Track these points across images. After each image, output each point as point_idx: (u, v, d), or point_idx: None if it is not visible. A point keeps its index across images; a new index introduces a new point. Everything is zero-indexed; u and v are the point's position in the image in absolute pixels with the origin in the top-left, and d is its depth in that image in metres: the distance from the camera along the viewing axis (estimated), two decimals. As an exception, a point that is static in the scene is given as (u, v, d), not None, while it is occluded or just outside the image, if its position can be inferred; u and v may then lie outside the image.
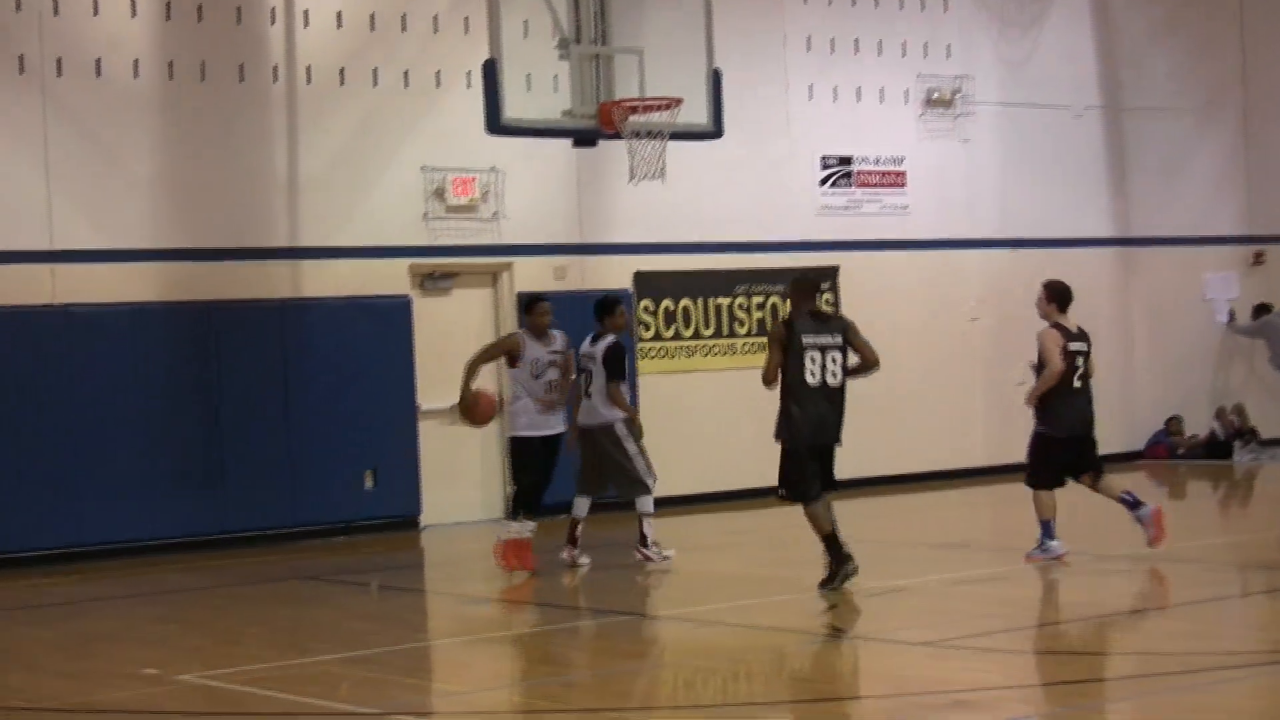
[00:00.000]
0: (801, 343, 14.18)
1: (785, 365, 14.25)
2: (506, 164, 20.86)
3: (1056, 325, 15.54)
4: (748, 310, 23.08)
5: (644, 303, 22.19)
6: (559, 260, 21.65)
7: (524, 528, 15.98)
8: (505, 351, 16.34)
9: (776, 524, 17.68)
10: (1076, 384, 15.47)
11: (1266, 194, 27.76)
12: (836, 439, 14.54)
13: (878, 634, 13.43)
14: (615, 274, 21.91)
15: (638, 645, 13.93)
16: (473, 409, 16.26)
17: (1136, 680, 11.26)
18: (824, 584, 14.70)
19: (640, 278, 22.10)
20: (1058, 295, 15.94)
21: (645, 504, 16.66)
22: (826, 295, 22.84)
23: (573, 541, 16.81)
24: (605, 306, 16.95)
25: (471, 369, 16.10)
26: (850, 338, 14.44)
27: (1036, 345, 15.42)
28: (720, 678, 12.23)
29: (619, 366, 16.63)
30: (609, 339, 16.57)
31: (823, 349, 14.21)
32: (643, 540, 16.68)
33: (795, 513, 14.81)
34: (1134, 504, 15.92)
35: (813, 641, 13.44)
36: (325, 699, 11.11)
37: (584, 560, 16.70)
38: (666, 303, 22.26)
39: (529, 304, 16.64)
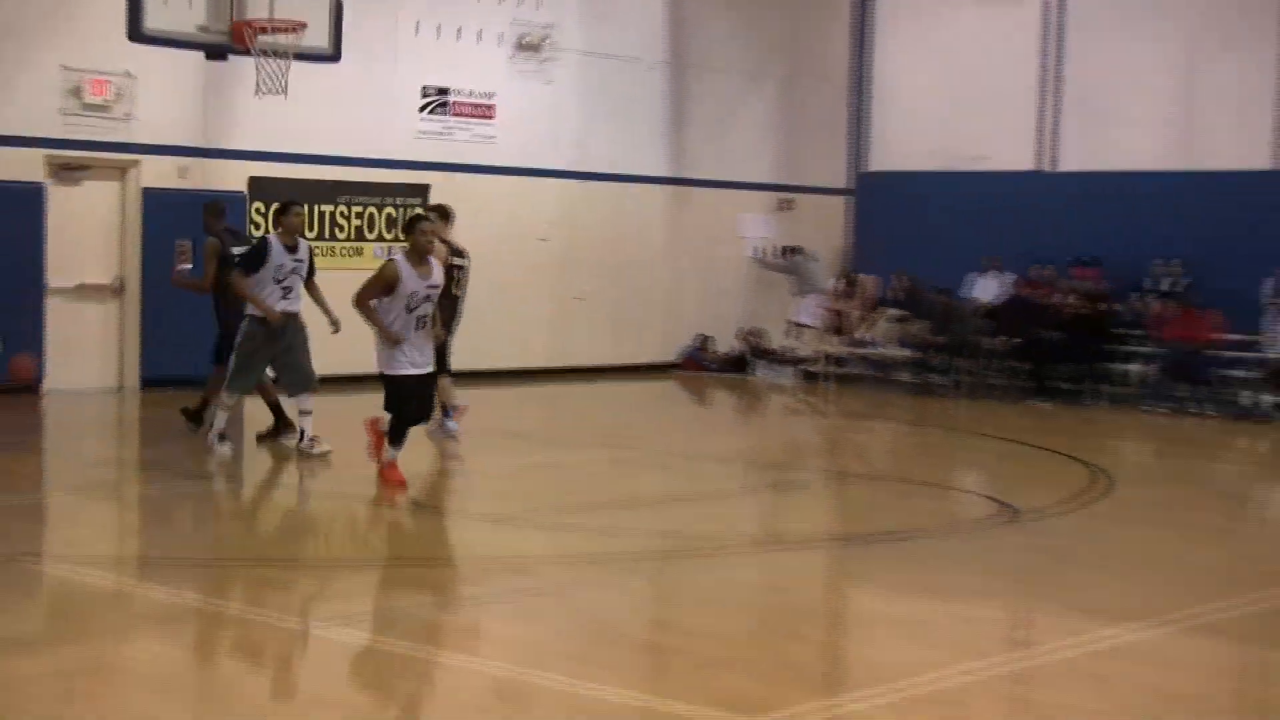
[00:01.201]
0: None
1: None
2: (142, 70, 21.56)
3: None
4: (348, 218, 24.22)
5: (256, 205, 23.11)
6: (183, 161, 22.45)
7: (390, 454, 14.61)
8: (385, 285, 14.16)
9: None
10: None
11: (798, 150, 29.86)
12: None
13: (453, 508, 14.91)
14: (233, 177, 22.84)
15: (246, 508, 15.24)
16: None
17: (665, 557, 12.59)
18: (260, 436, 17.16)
19: (254, 182, 23.08)
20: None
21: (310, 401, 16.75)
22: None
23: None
24: (282, 210, 17.25)
25: (366, 310, 14.30)
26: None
27: None
28: (311, 538, 13.68)
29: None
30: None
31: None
32: (302, 435, 16.74)
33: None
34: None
35: (393, 512, 14.43)
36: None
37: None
38: (276, 206, 21.57)
39: (410, 221, 14.88)
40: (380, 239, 24.75)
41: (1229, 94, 26.05)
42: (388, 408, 14.56)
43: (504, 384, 24.96)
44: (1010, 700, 9.07)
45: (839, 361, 28.12)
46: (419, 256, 14.36)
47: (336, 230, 24.35)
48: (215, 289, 17.77)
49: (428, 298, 14.40)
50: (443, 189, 24.79)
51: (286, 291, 16.63)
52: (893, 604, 11.29)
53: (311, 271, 16.95)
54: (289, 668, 9.26)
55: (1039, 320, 25.57)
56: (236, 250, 17.62)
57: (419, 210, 14.55)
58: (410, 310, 14.28)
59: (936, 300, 26.89)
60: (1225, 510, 14.96)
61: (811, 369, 28.11)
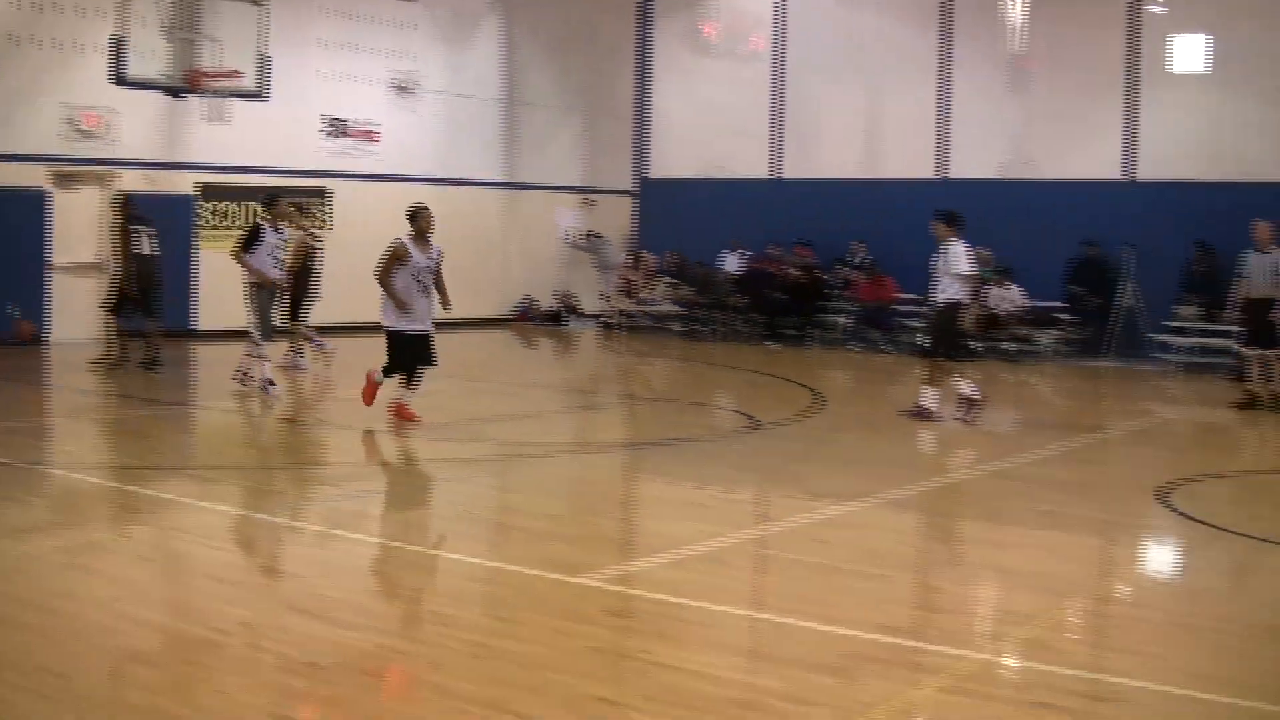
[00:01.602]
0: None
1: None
2: (123, 106, 20.95)
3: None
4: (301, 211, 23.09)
5: (205, 204, 22.73)
6: (150, 172, 21.86)
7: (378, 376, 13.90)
8: (396, 260, 13.29)
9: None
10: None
11: (598, 162, 29.63)
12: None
13: (349, 424, 13.92)
14: (188, 183, 22.44)
15: (202, 428, 14.85)
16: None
17: (506, 459, 12.42)
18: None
19: (203, 187, 22.60)
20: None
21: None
22: (320, 209, 24.11)
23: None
24: (269, 202, 16.78)
25: (387, 282, 13.46)
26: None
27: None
28: (249, 449, 13.34)
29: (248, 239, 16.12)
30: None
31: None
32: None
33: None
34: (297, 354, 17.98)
35: (305, 428, 14.41)
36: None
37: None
38: (218, 204, 22.89)
39: (412, 212, 13.75)
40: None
41: (902, 123, 26.33)
42: (389, 354, 13.83)
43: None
44: (759, 558, 9.12)
45: (628, 316, 28.07)
46: (421, 237, 13.57)
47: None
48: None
49: (429, 269, 13.61)
50: (340, 192, 24.89)
51: (279, 263, 16.51)
52: (673, 491, 11.32)
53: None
54: (236, 544, 9.07)
55: (770, 285, 25.80)
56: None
57: (421, 203, 13.64)
58: (416, 279, 13.54)
59: (698, 271, 26.98)
60: (905, 420, 15.14)
61: (609, 322, 28.13)
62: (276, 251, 16.31)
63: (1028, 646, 6.96)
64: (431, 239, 13.70)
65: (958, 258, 14.92)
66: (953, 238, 15.00)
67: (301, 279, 18.29)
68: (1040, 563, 8.80)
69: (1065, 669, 6.52)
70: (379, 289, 13.66)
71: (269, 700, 5.89)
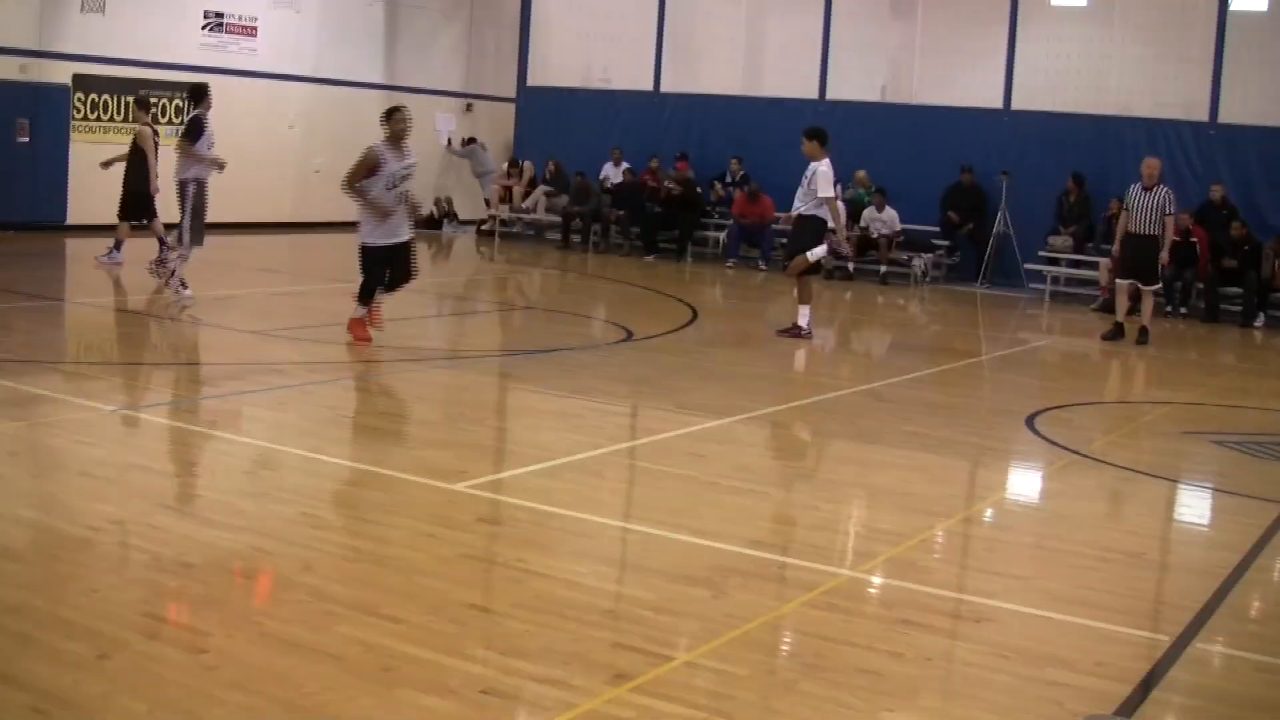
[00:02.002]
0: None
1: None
2: None
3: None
4: (145, 107, 21.21)
5: (78, 95, 22.05)
6: (23, 60, 21.38)
7: (359, 310, 13.10)
8: (368, 168, 12.57)
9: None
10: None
11: (479, 68, 29.64)
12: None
13: (224, 324, 14.02)
14: (62, 73, 21.82)
15: (74, 323, 14.51)
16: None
17: (382, 366, 12.37)
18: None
19: (77, 78, 21.97)
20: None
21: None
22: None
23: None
24: (196, 92, 16.18)
25: (354, 191, 12.73)
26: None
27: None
28: (127, 346, 13.23)
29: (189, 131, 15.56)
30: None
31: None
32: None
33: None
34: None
35: (178, 326, 13.96)
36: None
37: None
38: (93, 96, 22.30)
39: (388, 113, 12.90)
40: (170, 123, 23.35)
41: (785, 42, 26.38)
42: (362, 271, 13.01)
43: (260, 234, 24.45)
44: (632, 470, 9.19)
45: (506, 224, 27.99)
46: (396, 142, 12.72)
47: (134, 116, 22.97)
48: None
49: (405, 176, 12.74)
50: (218, 87, 23.33)
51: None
52: (548, 401, 11.34)
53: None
54: (108, 441, 8.93)
55: (648, 199, 25.79)
56: None
57: (396, 105, 12.96)
58: (390, 188, 12.66)
59: (577, 181, 26.80)
60: (776, 338, 15.31)
61: (486, 229, 28.02)
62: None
63: (894, 565, 7.11)
64: (406, 144, 12.86)
65: (823, 179, 15.03)
66: (820, 157, 15.11)
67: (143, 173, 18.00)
68: (908, 483, 8.98)
69: (931, 588, 6.68)
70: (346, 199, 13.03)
71: (139, 597, 5.86)
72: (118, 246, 18.04)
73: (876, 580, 6.91)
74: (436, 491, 7.92)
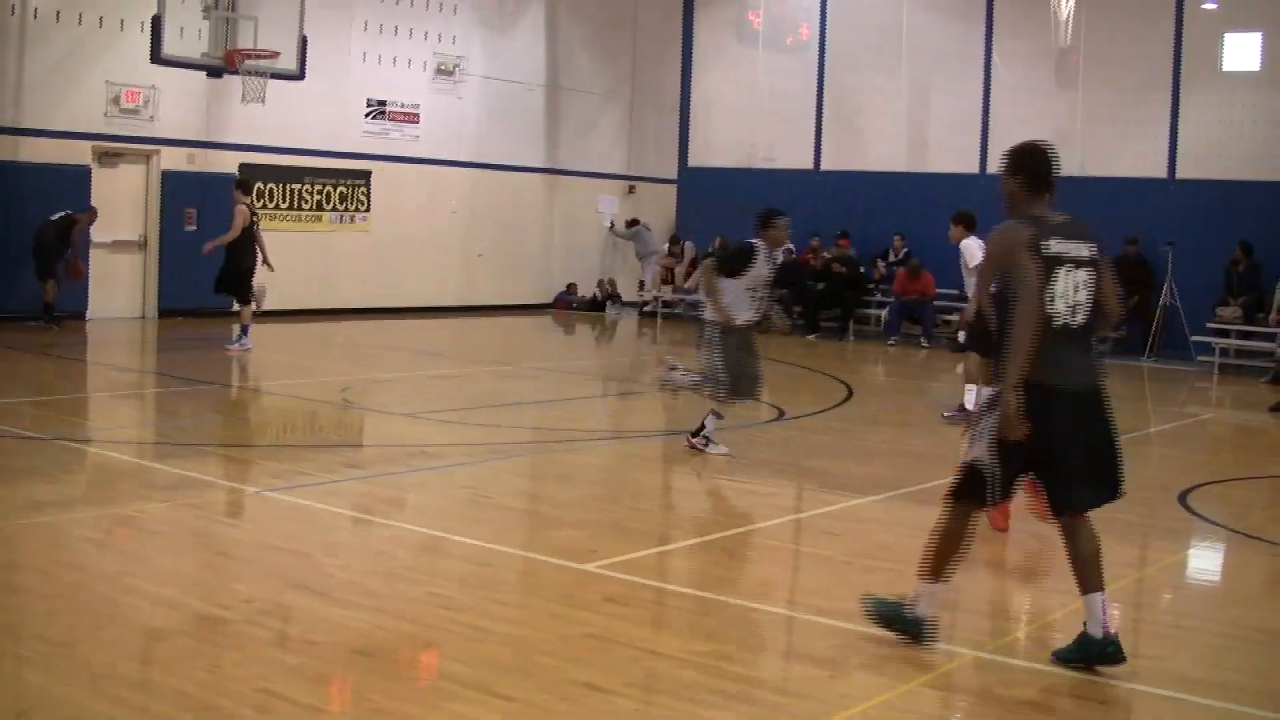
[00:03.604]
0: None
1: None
2: (162, 84, 21.22)
3: None
4: (310, 194, 23.89)
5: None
6: (191, 150, 22.19)
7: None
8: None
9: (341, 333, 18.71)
10: None
11: (640, 150, 29.85)
12: None
13: (378, 407, 14.60)
14: (228, 163, 22.28)
15: (233, 406, 15.08)
16: None
17: (534, 446, 12.85)
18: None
19: (244, 167, 22.28)
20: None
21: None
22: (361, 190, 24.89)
23: None
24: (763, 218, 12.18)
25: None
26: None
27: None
28: (274, 429, 13.55)
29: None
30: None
31: None
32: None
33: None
34: None
35: (333, 409, 14.24)
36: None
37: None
38: (259, 184, 22.47)
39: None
40: (334, 209, 24.53)
41: (946, 117, 26.33)
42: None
43: (424, 318, 24.80)
44: (766, 548, 9.15)
45: (668, 304, 28.13)
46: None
47: (301, 203, 24.12)
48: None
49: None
50: (380, 174, 25.05)
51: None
52: (688, 481, 11.36)
53: None
54: (248, 522, 9.19)
55: (810, 276, 25.78)
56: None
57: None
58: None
59: (738, 261, 26.77)
60: (936, 415, 15.16)
61: (649, 309, 28.23)
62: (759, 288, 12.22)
63: (1023, 645, 7.02)
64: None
65: (968, 251, 14.82)
66: (966, 239, 14.89)
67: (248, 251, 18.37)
68: (1047, 561, 8.80)
69: (1056, 669, 6.54)
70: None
71: (257, 673, 6.00)
72: (244, 331, 18.27)
73: (1001, 660, 6.80)
74: (566, 571, 8.00)
